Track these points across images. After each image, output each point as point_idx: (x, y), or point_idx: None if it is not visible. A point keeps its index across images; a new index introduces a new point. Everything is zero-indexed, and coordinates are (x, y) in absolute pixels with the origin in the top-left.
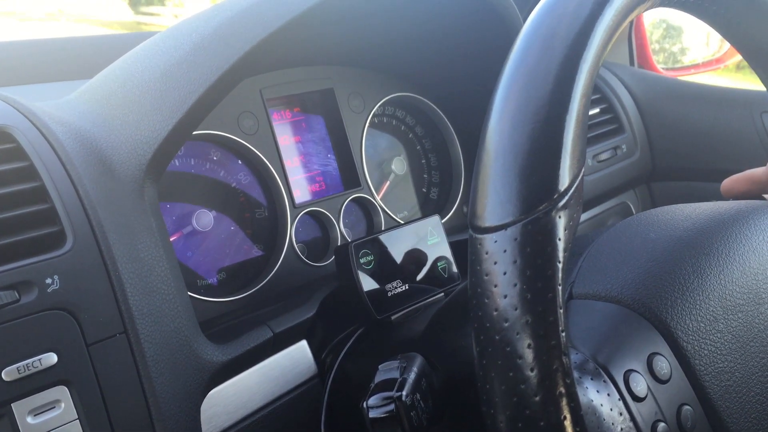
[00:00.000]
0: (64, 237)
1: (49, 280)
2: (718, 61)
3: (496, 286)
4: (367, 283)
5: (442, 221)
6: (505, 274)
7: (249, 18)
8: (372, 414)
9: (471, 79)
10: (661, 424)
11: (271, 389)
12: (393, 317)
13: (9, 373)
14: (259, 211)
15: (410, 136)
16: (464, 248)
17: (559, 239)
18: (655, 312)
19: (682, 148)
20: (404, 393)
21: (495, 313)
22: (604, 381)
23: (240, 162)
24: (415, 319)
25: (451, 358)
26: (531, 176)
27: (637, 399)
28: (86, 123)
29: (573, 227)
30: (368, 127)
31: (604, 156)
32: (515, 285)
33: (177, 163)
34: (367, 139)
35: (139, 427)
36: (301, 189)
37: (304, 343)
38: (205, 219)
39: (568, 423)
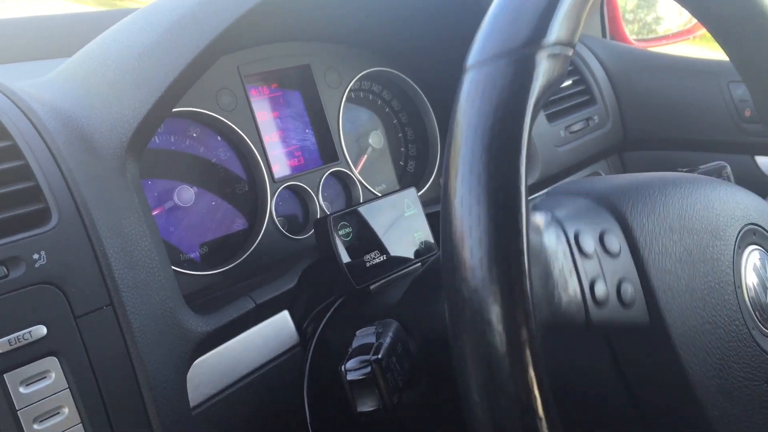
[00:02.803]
0: (49, 214)
1: (36, 256)
2: (689, 31)
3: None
4: (346, 255)
5: (419, 193)
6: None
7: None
8: (350, 376)
9: (446, 54)
10: (600, 284)
11: (254, 358)
12: (371, 287)
13: (0, 345)
14: (239, 186)
15: (387, 110)
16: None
17: (535, 85)
18: (616, 206)
19: (652, 118)
20: (380, 356)
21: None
22: (558, 233)
23: (219, 138)
24: (393, 288)
25: (426, 324)
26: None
27: (584, 255)
28: (67, 102)
29: (548, 85)
30: (345, 101)
31: (576, 127)
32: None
33: (157, 140)
34: (345, 113)
35: (128, 396)
36: (280, 164)
37: (285, 314)
38: (186, 194)
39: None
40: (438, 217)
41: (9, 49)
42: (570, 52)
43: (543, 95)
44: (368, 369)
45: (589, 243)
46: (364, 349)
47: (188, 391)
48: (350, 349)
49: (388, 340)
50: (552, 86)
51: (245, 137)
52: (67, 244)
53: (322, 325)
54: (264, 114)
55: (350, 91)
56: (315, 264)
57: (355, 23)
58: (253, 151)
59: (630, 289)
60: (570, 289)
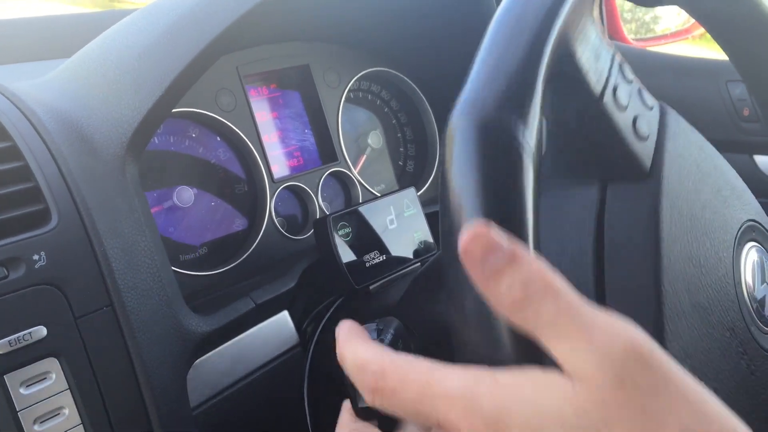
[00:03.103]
0: (49, 215)
1: (36, 257)
2: (687, 31)
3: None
4: (346, 255)
5: (418, 193)
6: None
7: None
8: None
9: (445, 54)
10: (624, 90)
11: (254, 358)
12: (371, 287)
13: (1, 346)
14: (238, 186)
15: (386, 110)
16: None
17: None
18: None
19: None
20: None
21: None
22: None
23: (219, 138)
24: (393, 288)
25: (426, 323)
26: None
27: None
28: (66, 103)
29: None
30: (344, 102)
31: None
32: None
33: (157, 141)
34: (344, 113)
35: (128, 397)
36: (279, 164)
37: (285, 314)
38: (185, 195)
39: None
40: (437, 217)
41: (7, 50)
42: None
43: None
44: None
45: (630, 74)
46: None
47: (188, 391)
48: None
49: (389, 337)
50: None
51: (244, 137)
52: (67, 245)
53: (321, 326)
54: (263, 114)
55: (349, 91)
56: (314, 264)
57: (354, 23)
58: (252, 151)
59: (645, 128)
60: (600, 63)
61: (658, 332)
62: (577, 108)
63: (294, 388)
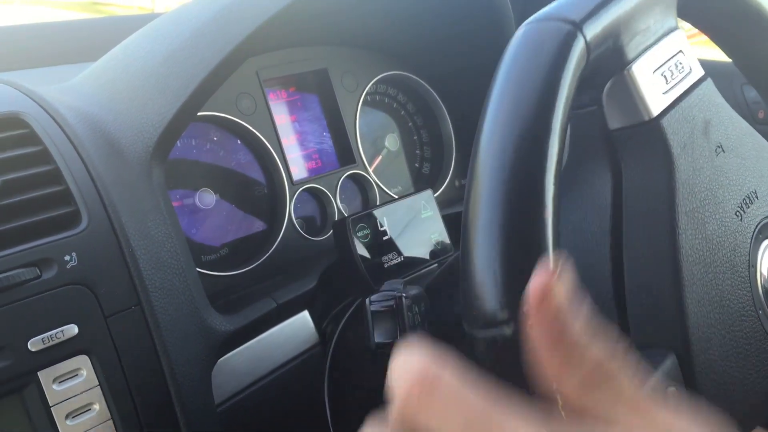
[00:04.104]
0: (79, 217)
1: (67, 257)
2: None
3: None
4: (364, 256)
5: (436, 194)
6: None
7: (245, 6)
8: (373, 307)
9: (461, 57)
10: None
11: (275, 357)
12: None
13: (34, 344)
14: (258, 188)
15: (402, 113)
16: (456, 220)
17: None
18: None
19: None
20: (404, 295)
21: None
22: None
23: (239, 142)
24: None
25: (443, 323)
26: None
27: None
28: (94, 107)
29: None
30: (361, 105)
31: None
32: None
33: (179, 144)
34: (361, 116)
35: (155, 393)
36: (298, 166)
37: (305, 314)
38: (207, 197)
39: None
40: (454, 219)
41: (31, 54)
42: None
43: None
44: (391, 302)
45: None
46: (389, 294)
47: (213, 388)
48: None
49: (414, 291)
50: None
51: (265, 141)
52: (97, 246)
53: (341, 325)
54: (282, 117)
55: (366, 94)
56: (333, 265)
57: (372, 27)
58: (272, 154)
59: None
60: None
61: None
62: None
63: (314, 386)
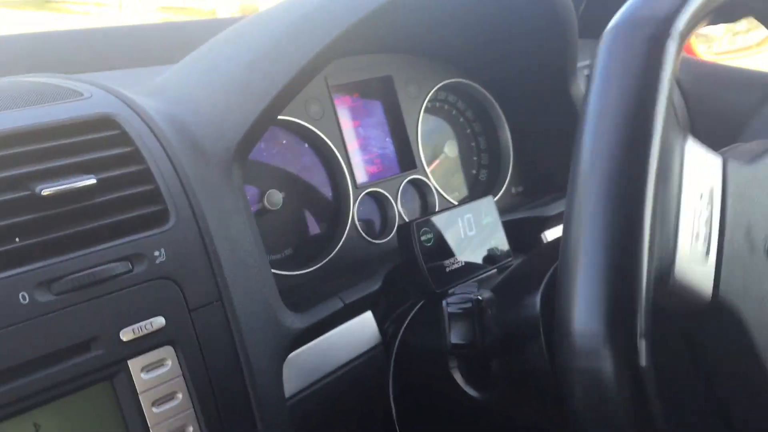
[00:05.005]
0: (167, 215)
1: (156, 253)
2: (759, 45)
3: None
4: (427, 259)
5: None
6: None
7: (326, 13)
8: (450, 309)
9: (521, 66)
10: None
11: (341, 355)
12: (450, 290)
13: (125, 334)
14: (323, 190)
15: (461, 120)
16: (514, 227)
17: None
18: None
19: (723, 131)
20: (481, 297)
21: None
22: None
23: (306, 145)
24: None
25: (506, 329)
26: None
27: None
28: (180, 109)
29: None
30: (423, 112)
31: None
32: None
33: None
34: (422, 123)
35: (233, 385)
36: (361, 171)
37: (369, 314)
38: (275, 198)
39: None
40: (511, 225)
41: (105, 57)
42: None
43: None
44: (468, 305)
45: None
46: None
47: (283, 382)
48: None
49: (487, 295)
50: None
51: (331, 145)
52: (183, 243)
53: (404, 327)
54: (346, 122)
55: (428, 101)
56: (396, 267)
57: (435, 36)
58: (337, 158)
59: None
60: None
61: None
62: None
63: (377, 385)
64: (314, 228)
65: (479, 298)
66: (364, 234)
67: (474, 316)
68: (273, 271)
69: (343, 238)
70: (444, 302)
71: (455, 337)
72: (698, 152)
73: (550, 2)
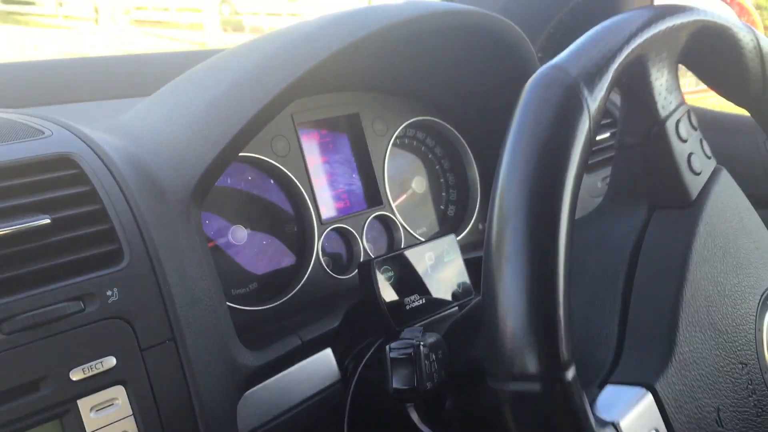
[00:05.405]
0: (121, 254)
1: (109, 292)
2: None
3: None
4: (388, 296)
5: (459, 237)
6: None
7: (288, 55)
8: (392, 354)
9: (488, 104)
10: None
11: (298, 393)
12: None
13: (75, 373)
14: (288, 226)
15: (429, 156)
16: (478, 265)
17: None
18: None
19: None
20: (423, 343)
21: None
22: None
23: (272, 181)
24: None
25: (463, 366)
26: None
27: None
28: (139, 149)
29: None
30: (391, 147)
31: None
32: None
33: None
34: (390, 159)
35: (184, 424)
36: (327, 206)
37: (328, 351)
38: (239, 233)
39: None
40: (476, 263)
41: (78, 88)
42: None
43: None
44: (410, 350)
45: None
46: (407, 342)
47: (238, 420)
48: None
49: (431, 339)
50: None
51: (297, 182)
52: (137, 282)
53: (362, 364)
54: (313, 158)
55: (396, 138)
56: (357, 304)
57: (402, 75)
58: (303, 194)
59: (699, 165)
60: (672, 95)
61: (671, 331)
62: (642, 122)
63: (334, 422)
64: (279, 262)
65: (420, 344)
66: (328, 270)
67: (415, 361)
68: (235, 306)
69: (308, 273)
70: (387, 347)
71: (397, 382)
72: None
73: (506, 41)
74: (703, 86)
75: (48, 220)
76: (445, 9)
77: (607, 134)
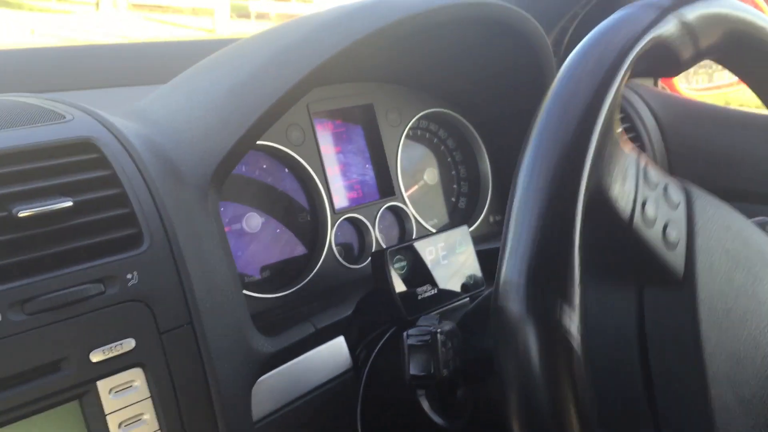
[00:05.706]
0: (141, 238)
1: (129, 275)
2: (739, 81)
3: None
4: (400, 286)
5: (470, 229)
6: None
7: (307, 45)
8: (409, 341)
9: (501, 98)
10: (651, 207)
11: (310, 380)
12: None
13: (95, 355)
14: (302, 215)
15: (442, 148)
16: (489, 256)
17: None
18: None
19: (700, 168)
20: (440, 331)
21: None
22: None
23: (287, 170)
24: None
25: (473, 357)
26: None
27: (647, 183)
28: (159, 135)
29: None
30: (404, 139)
31: None
32: None
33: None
34: (402, 150)
35: (200, 407)
36: (340, 196)
37: (341, 339)
38: (253, 221)
39: None
40: (487, 254)
41: (99, 75)
42: None
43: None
44: (428, 337)
45: (655, 176)
46: (425, 329)
47: (252, 405)
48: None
49: (448, 327)
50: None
51: (311, 171)
52: (156, 266)
53: (375, 353)
54: (327, 148)
55: (409, 129)
56: (370, 293)
57: (417, 67)
58: (317, 183)
59: (674, 234)
60: (627, 186)
61: (708, 429)
62: (610, 234)
63: (346, 410)
64: (292, 251)
65: (437, 331)
66: (341, 259)
67: (432, 348)
68: (248, 293)
69: (320, 263)
70: (404, 334)
71: (414, 368)
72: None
73: (523, 34)
74: (720, 82)
75: (70, 203)
76: (464, 0)
77: (619, 129)
